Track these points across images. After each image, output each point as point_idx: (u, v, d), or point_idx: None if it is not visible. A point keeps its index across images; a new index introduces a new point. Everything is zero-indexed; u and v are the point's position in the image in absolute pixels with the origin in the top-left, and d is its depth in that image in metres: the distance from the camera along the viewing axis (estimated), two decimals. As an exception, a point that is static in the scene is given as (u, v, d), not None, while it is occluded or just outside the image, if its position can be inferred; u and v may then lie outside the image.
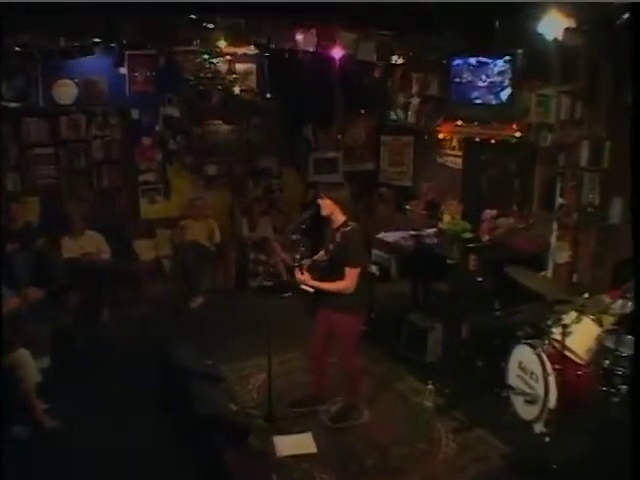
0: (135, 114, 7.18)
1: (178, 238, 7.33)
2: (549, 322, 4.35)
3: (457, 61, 5.43)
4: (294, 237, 4.43)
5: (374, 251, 5.89)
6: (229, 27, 5.54)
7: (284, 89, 7.69)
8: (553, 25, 4.08)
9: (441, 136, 6.09)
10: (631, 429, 2.46)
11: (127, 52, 6.83)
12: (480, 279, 5.04)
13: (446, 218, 5.91)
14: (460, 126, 5.66)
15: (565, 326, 4.02)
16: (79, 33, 5.20)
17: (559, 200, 5.41)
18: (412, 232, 5.82)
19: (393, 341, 5.67)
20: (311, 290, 4.29)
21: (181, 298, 6.95)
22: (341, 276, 4.16)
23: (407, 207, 6.86)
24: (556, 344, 4.19)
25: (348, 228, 4.18)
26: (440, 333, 5.38)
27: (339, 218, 4.22)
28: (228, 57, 7.14)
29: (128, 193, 7.43)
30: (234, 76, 7.18)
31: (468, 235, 5.41)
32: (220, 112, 7.59)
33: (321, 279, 4.27)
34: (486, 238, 5.47)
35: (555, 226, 5.46)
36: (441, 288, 5.43)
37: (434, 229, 5.74)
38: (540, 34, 4.21)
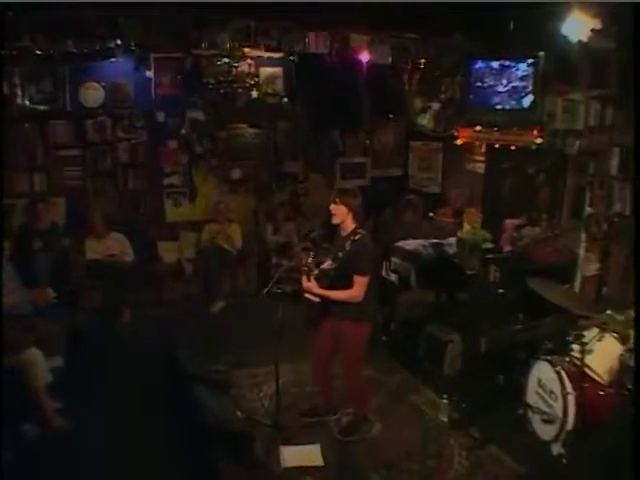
0: (161, 117, 7.22)
1: (201, 241, 7.33)
2: (570, 338, 4.13)
3: (479, 64, 5.22)
4: (303, 244, 4.32)
5: (393, 259, 5.73)
6: (251, 29, 5.46)
7: (311, 93, 7.63)
8: (578, 26, 3.88)
9: (460, 142, 5.89)
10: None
11: (153, 55, 6.91)
12: (501, 291, 4.84)
13: (466, 227, 5.71)
14: (479, 132, 5.45)
15: (584, 344, 3.81)
16: (103, 35, 5.20)
17: (588, 209, 5.17)
18: (432, 240, 5.65)
19: (411, 352, 5.53)
20: (316, 299, 4.19)
21: (202, 301, 6.94)
22: (349, 285, 4.05)
23: (430, 214, 6.66)
24: (577, 362, 3.97)
25: (358, 236, 4.06)
26: (459, 346, 5.20)
27: (349, 226, 4.12)
28: (249, 60, 7.08)
29: (153, 196, 7.47)
30: (255, 79, 7.13)
31: (488, 245, 5.21)
32: (245, 116, 7.56)
33: (329, 288, 4.16)
34: (508, 248, 5.25)
35: (583, 237, 5.22)
36: (461, 299, 5.25)
37: (454, 238, 5.55)
38: (564, 36, 4.00)
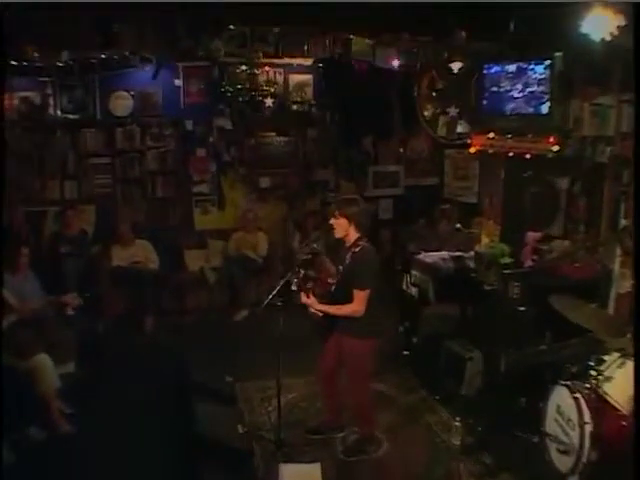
0: (189, 125, 7.25)
1: (227, 250, 7.29)
2: (591, 363, 3.80)
3: (494, 68, 4.91)
4: (304, 257, 4.17)
5: (413, 272, 5.49)
6: (247, 36, 5.37)
7: (341, 99, 7.49)
8: (599, 24, 3.56)
9: (472, 150, 5.58)
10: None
11: (181, 64, 6.94)
12: (522, 308, 4.52)
13: (484, 240, 5.39)
14: (492, 139, 5.13)
15: (599, 371, 3.49)
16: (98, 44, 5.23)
17: (622, 222, 4.78)
18: (454, 253, 5.37)
19: (431, 368, 5.26)
20: (319, 313, 4.03)
21: (225, 310, 6.89)
22: (351, 299, 3.88)
23: (458, 226, 6.36)
24: (597, 389, 3.65)
25: (358, 248, 3.90)
26: (480, 364, 4.90)
27: (352, 237, 3.94)
28: (267, 67, 7.00)
29: (182, 204, 7.51)
30: (275, 86, 7.04)
31: (507, 260, 4.89)
32: (274, 124, 7.49)
33: (331, 302, 3.99)
34: (529, 263, 4.91)
35: (619, 251, 4.83)
36: (482, 315, 4.95)
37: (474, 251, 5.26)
38: (585, 34, 3.69)
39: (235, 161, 7.53)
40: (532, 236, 5.00)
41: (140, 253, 6.81)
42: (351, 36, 5.45)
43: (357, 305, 3.85)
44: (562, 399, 3.85)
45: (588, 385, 3.72)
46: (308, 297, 3.98)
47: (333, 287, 4.10)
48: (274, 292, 4.09)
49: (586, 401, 3.64)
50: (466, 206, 7.67)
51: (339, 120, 7.66)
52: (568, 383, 3.84)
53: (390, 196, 8.18)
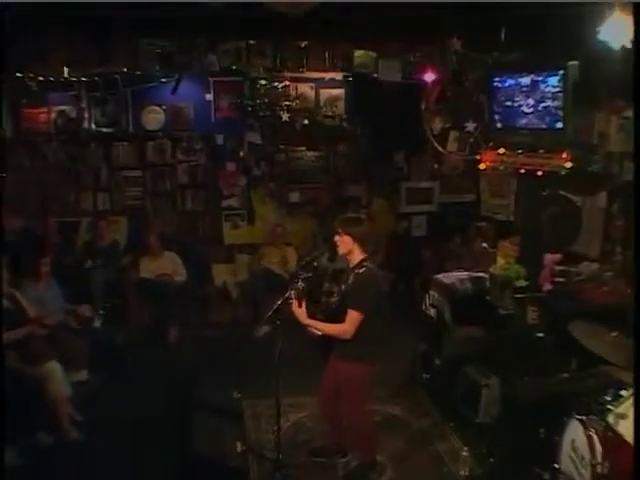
0: (220, 140, 7.30)
1: (255, 265, 7.25)
2: (608, 397, 3.50)
3: (508, 82, 4.61)
4: (301, 273, 4.04)
5: (432, 293, 5.27)
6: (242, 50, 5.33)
7: (373, 114, 7.36)
8: (619, 30, 3.30)
9: (483, 166, 5.30)
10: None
11: (212, 79, 7.01)
12: (540, 335, 4.24)
13: (499, 262, 5.09)
14: (503, 154, 4.83)
15: (609, 410, 3.20)
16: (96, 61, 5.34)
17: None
18: (473, 274, 5.10)
19: (447, 393, 5.02)
20: (317, 333, 3.89)
21: (247, 325, 6.82)
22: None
23: (484, 245, 6.07)
24: (612, 426, 3.34)
25: (362, 270, 3.75)
26: (497, 391, 4.62)
27: (357, 257, 3.81)
28: (286, 82, 7.00)
29: (211, 217, 7.54)
30: (297, 101, 6.99)
31: (522, 283, 4.59)
32: (304, 138, 7.45)
33: (328, 321, 3.85)
34: (547, 287, 4.59)
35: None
36: (499, 340, 4.67)
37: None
38: (603, 41, 3.43)
39: (265, 176, 7.52)
40: (550, 258, 4.68)
41: (167, 266, 6.85)
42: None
43: (347, 325, 3.68)
44: (577, 434, 3.56)
45: (603, 422, 3.43)
46: (300, 306, 3.82)
47: (334, 305, 3.98)
48: (274, 308, 3.97)
49: (600, 439, 3.35)
50: (503, 224, 7.37)
51: (371, 135, 7.53)
52: (583, 418, 3.55)
53: (424, 213, 7.95)
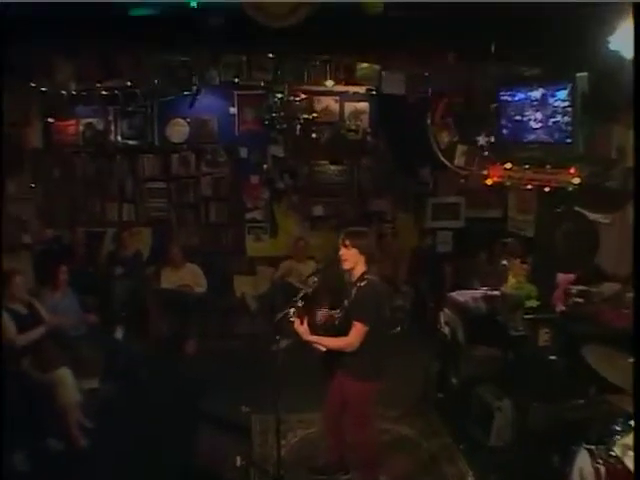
0: (244, 153, 7.33)
1: (273, 278, 7.22)
2: (618, 427, 3.31)
3: (518, 96, 4.43)
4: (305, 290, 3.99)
5: (446, 311, 5.12)
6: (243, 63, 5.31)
7: (397, 128, 7.27)
8: (630, 37, 3.13)
9: (489, 182, 5.10)
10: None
11: (236, 92, 7.06)
12: (553, 357, 4.05)
13: (510, 281, 4.90)
14: (510, 169, 4.64)
15: (616, 440, 3.01)
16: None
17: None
18: (487, 292, 4.92)
19: (459, 414, 4.85)
20: (322, 349, 3.81)
21: (265, 339, 6.77)
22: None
23: (504, 262, 5.86)
24: (621, 458, 3.15)
25: (364, 282, 3.70)
26: (510, 415, 4.43)
27: (359, 271, 3.77)
28: (302, 95, 6.97)
29: (234, 229, 7.57)
30: (314, 114, 6.95)
31: (533, 303, 4.39)
32: (327, 152, 7.42)
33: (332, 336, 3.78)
34: (561, 308, 4.37)
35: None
36: (511, 362, 4.48)
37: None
38: (615, 50, 3.26)
39: (289, 189, 7.50)
40: (563, 278, 4.47)
41: (188, 277, 6.90)
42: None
43: (352, 338, 3.61)
44: (585, 464, 3.37)
45: (612, 452, 3.23)
46: (302, 324, 3.76)
47: (337, 321, 3.90)
48: (274, 323, 3.93)
49: (607, 471, 3.16)
50: (529, 241, 7.15)
51: (395, 149, 7.43)
52: (592, 448, 3.36)
53: (450, 228, 7.79)
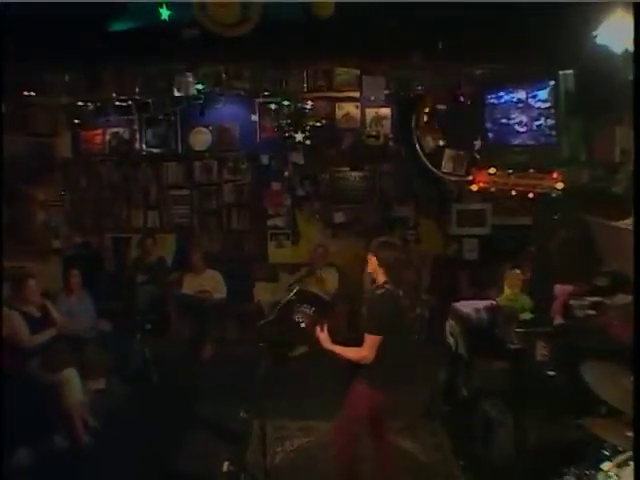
0: (265, 159, 7.37)
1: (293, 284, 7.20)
2: (606, 452, 3.11)
3: (504, 98, 4.24)
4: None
5: (451, 322, 4.96)
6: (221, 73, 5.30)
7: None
8: (620, 31, 2.94)
9: (475, 188, 4.86)
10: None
11: (257, 100, 7.12)
12: (552, 373, 3.85)
13: (506, 292, 4.66)
14: (494, 175, 4.41)
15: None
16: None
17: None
18: (490, 303, 4.73)
19: (462, 429, 4.69)
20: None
21: (282, 345, 6.77)
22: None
23: (517, 272, 5.62)
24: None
25: (379, 291, 3.68)
26: (511, 431, 4.25)
27: (379, 279, 3.75)
28: (310, 102, 6.91)
29: (256, 236, 7.61)
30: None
31: (527, 316, 4.17)
32: (348, 158, 7.36)
33: (350, 344, 3.75)
34: (559, 321, 4.13)
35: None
36: (510, 377, 4.28)
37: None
38: (603, 45, 3.07)
39: (310, 196, 7.49)
40: (560, 289, 4.23)
41: (209, 283, 6.98)
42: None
43: (365, 350, 3.59)
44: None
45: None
46: (322, 331, 3.79)
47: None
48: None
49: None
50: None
51: (418, 154, 7.29)
52: (578, 472, 3.18)
53: (475, 235, 7.57)
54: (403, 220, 7.63)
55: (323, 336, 3.79)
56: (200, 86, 5.89)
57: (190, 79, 5.54)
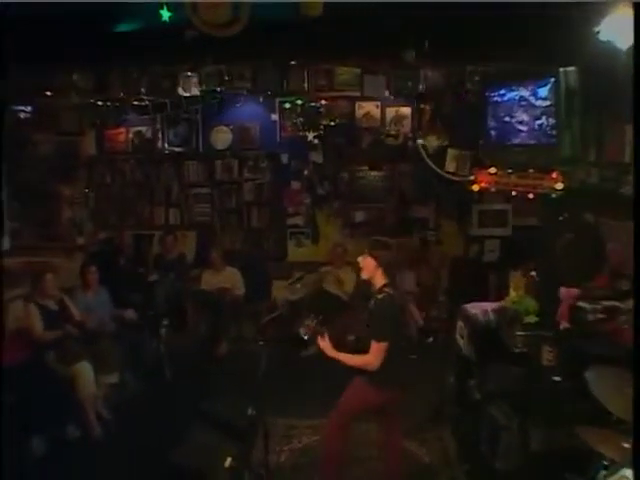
0: (285, 159, 7.41)
1: (313, 284, 7.22)
2: (605, 461, 3.03)
3: (507, 95, 4.12)
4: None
5: (460, 323, 4.89)
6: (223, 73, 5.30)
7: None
8: (622, 28, 2.84)
9: (476, 188, 4.74)
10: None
11: (277, 99, 7.16)
12: (558, 379, 3.76)
13: (511, 294, 4.55)
14: (494, 174, 4.30)
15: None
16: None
17: None
18: (497, 305, 4.63)
19: (468, 432, 4.62)
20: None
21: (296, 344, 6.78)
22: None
23: (532, 273, 5.50)
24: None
25: (381, 295, 3.64)
26: (516, 436, 4.17)
27: (378, 282, 3.70)
28: (323, 101, 6.90)
29: (276, 234, 7.65)
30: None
31: (532, 319, 4.06)
32: (368, 158, 7.34)
33: (355, 351, 3.74)
34: (565, 325, 4.01)
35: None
36: (516, 381, 4.19)
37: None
38: (606, 42, 2.97)
39: (330, 195, 7.49)
40: (566, 292, 4.11)
41: (228, 280, 7.06)
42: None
43: (371, 357, 3.58)
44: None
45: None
46: (323, 339, 3.77)
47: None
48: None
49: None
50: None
51: (438, 154, 7.21)
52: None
53: (497, 237, 7.44)
54: (422, 221, 7.58)
55: (324, 344, 3.77)
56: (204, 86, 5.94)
57: (194, 79, 5.57)
